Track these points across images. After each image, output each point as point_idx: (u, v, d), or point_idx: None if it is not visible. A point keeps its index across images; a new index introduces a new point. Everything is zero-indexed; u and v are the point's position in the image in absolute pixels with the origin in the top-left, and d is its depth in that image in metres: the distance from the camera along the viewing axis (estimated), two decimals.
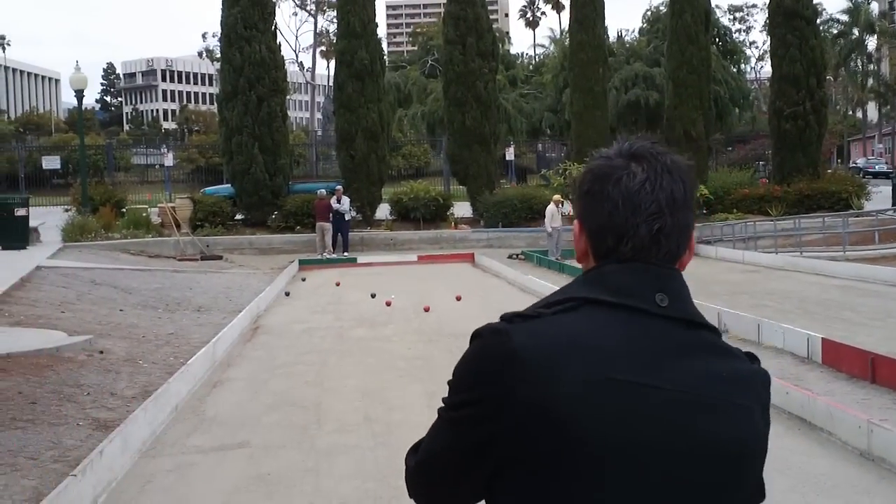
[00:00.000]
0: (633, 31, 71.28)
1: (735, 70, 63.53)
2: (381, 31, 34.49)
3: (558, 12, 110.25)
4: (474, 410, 1.52)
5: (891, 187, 32.25)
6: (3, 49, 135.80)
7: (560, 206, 26.80)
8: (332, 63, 36.20)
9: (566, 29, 43.75)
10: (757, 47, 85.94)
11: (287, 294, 19.52)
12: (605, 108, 33.40)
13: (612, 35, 60.54)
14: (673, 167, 1.57)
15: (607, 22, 33.32)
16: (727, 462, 1.51)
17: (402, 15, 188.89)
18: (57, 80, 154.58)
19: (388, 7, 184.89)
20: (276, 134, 30.42)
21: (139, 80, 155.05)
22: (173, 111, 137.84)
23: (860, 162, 67.57)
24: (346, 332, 14.38)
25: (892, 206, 29.50)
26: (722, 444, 1.49)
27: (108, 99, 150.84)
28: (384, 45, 35.01)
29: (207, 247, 27.71)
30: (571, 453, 1.44)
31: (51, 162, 43.20)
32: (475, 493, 1.60)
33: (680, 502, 1.48)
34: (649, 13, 65.45)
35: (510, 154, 39.53)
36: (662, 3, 57.79)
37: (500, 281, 21.76)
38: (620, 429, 1.44)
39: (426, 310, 16.01)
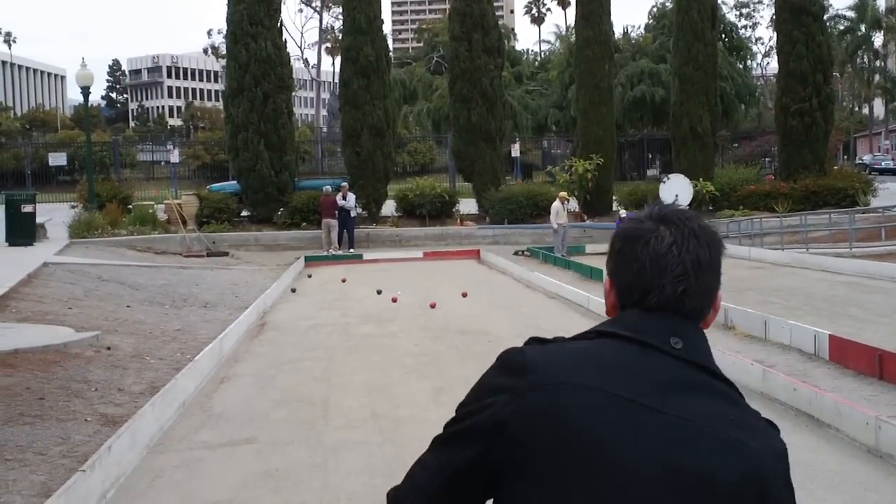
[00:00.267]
0: (639, 28, 71.32)
1: (741, 66, 63.48)
2: (387, 28, 34.47)
3: (564, 8, 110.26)
4: (479, 419, 1.57)
5: None
6: (9, 46, 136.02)
7: (565, 203, 26.79)
8: (338, 60, 36.22)
9: (572, 25, 43.72)
10: (763, 43, 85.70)
11: (293, 290, 19.51)
12: (611, 104, 33.35)
13: (618, 31, 60.43)
14: (700, 232, 1.63)
15: (613, 18, 33.26)
16: (718, 500, 1.50)
17: (407, 11, 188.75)
18: (63, 77, 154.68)
19: (393, 3, 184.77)
20: (282, 130, 30.43)
21: (145, 77, 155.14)
22: (179, 108, 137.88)
23: (866, 158, 67.42)
24: (352, 328, 14.39)
25: None
26: (715, 480, 1.49)
27: (113, 95, 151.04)
28: (390, 42, 34.95)
29: (213, 243, 27.73)
30: (569, 462, 1.49)
31: (57, 159, 43.29)
32: None
33: None
34: (655, 9, 65.48)
35: (516, 151, 39.54)
36: (668, 0, 57.72)
37: (506, 277, 21.75)
38: (618, 443, 1.48)
39: (432, 306, 16.02)
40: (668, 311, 1.61)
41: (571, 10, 42.65)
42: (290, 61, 31.51)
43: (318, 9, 76.26)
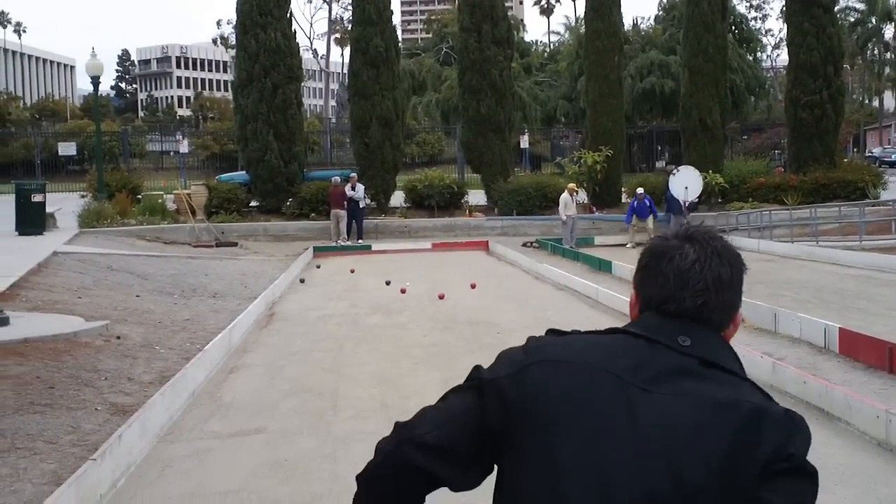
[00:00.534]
0: (649, 19, 71.13)
1: (751, 58, 63.21)
2: (396, 19, 34.37)
3: (573, 0, 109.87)
4: (486, 377, 1.72)
5: None
6: (19, 35, 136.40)
7: (574, 194, 26.76)
8: (347, 50, 36.22)
9: (581, 16, 43.65)
10: (773, 35, 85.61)
11: (302, 281, 19.54)
12: (621, 96, 33.24)
13: (628, 23, 60.19)
14: (723, 251, 1.73)
15: (623, 9, 33.09)
16: (711, 456, 1.53)
17: (416, 2, 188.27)
18: (72, 67, 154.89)
19: None
20: (291, 121, 30.43)
21: (154, 67, 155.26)
22: (188, 98, 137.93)
23: (876, 151, 67.16)
24: (361, 319, 14.41)
25: None
26: (704, 435, 1.54)
27: (122, 85, 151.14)
28: (399, 33, 34.86)
29: (222, 233, 27.76)
30: (562, 431, 1.58)
31: (67, 148, 43.32)
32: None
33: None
34: (665, 1, 65.18)
35: (524, 142, 39.49)
36: None
37: (514, 269, 21.75)
38: (612, 415, 1.57)
39: (441, 297, 16.03)
40: (684, 317, 1.68)
41: (581, 2, 42.66)
42: (299, 52, 31.47)
43: (327, 0, 76.18)
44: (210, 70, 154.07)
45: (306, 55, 56.95)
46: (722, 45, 31.88)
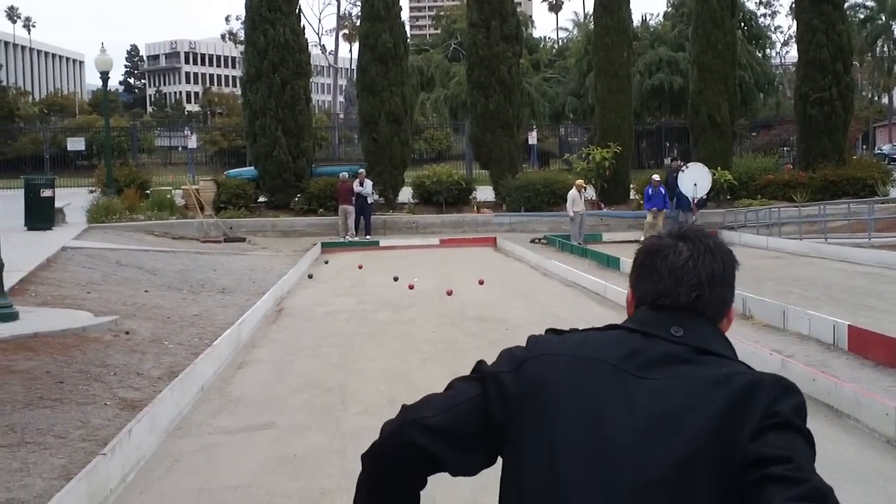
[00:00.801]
0: (658, 15, 71.06)
1: (760, 55, 63.09)
2: (405, 15, 34.39)
3: None
4: (488, 370, 1.79)
5: None
6: (29, 31, 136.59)
7: (583, 190, 26.73)
8: (355, 46, 36.20)
9: (590, 13, 43.59)
10: (782, 32, 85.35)
11: (310, 277, 19.56)
12: (629, 92, 33.20)
13: (637, 19, 60.28)
14: (715, 248, 1.79)
15: (632, 6, 33.05)
16: (704, 431, 1.56)
17: None
18: (81, 62, 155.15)
19: None
20: (300, 117, 30.47)
21: (163, 63, 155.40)
22: (196, 93, 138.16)
23: (886, 148, 66.89)
24: (369, 314, 14.42)
25: None
26: (697, 413, 1.58)
27: (131, 81, 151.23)
28: (407, 29, 34.87)
29: (231, 229, 27.80)
30: (559, 418, 1.64)
31: (75, 143, 43.44)
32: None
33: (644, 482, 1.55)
34: None
35: (533, 138, 39.44)
36: None
37: (522, 265, 21.75)
38: (609, 401, 1.62)
39: (449, 293, 16.04)
40: (678, 310, 1.74)
41: None
42: (307, 47, 31.48)
43: None
44: (219, 66, 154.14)
45: (315, 51, 56.96)
46: (731, 42, 31.80)
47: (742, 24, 56.26)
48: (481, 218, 30.65)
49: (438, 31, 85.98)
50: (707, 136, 31.15)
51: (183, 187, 30.93)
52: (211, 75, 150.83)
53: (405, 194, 32.20)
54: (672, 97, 55.95)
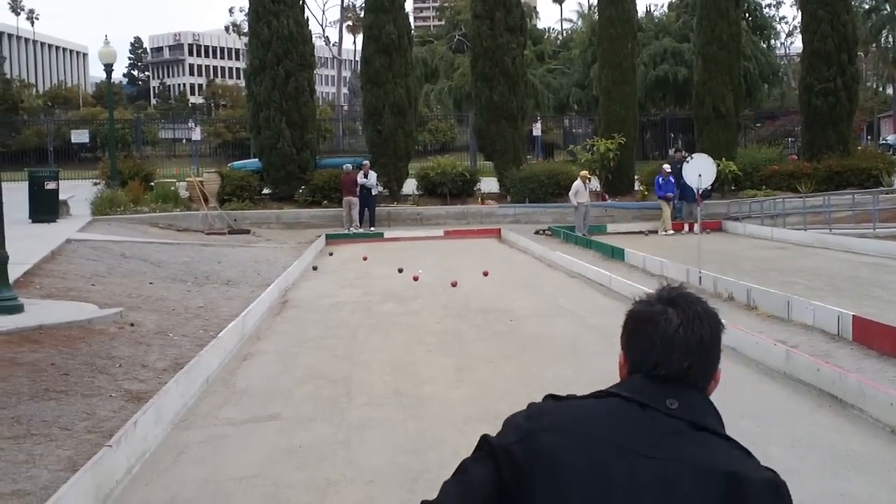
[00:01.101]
0: (663, 6, 70.90)
1: (765, 46, 62.88)
2: (409, 6, 34.34)
3: None
4: (498, 444, 1.81)
5: None
6: (32, 23, 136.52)
7: (587, 181, 26.69)
8: (359, 38, 36.15)
9: (594, 4, 43.49)
10: (787, 23, 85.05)
11: (315, 268, 19.58)
12: (634, 83, 33.12)
13: (641, 10, 60.03)
14: (704, 315, 1.86)
15: None
16: None
17: None
18: (85, 55, 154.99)
19: None
20: (304, 108, 30.42)
21: (166, 55, 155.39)
22: (200, 85, 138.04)
23: (890, 139, 66.70)
24: (374, 306, 14.43)
25: None
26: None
27: (135, 73, 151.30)
28: (411, 20, 34.73)
29: (235, 221, 27.81)
30: (564, 495, 1.70)
31: (79, 136, 43.41)
32: None
33: None
34: None
35: (537, 130, 39.34)
36: None
37: (527, 256, 21.74)
38: (613, 483, 1.69)
39: (453, 285, 16.03)
40: (671, 381, 1.82)
41: None
42: (311, 39, 31.43)
43: None
44: (222, 57, 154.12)
45: (319, 42, 56.96)
46: (736, 33, 31.74)
47: (747, 14, 56.05)
48: (485, 209, 30.63)
49: (442, 23, 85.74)
50: (712, 126, 31.10)
51: (187, 179, 30.91)
52: (215, 67, 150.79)
53: (409, 186, 32.16)
54: (676, 88, 55.79)
